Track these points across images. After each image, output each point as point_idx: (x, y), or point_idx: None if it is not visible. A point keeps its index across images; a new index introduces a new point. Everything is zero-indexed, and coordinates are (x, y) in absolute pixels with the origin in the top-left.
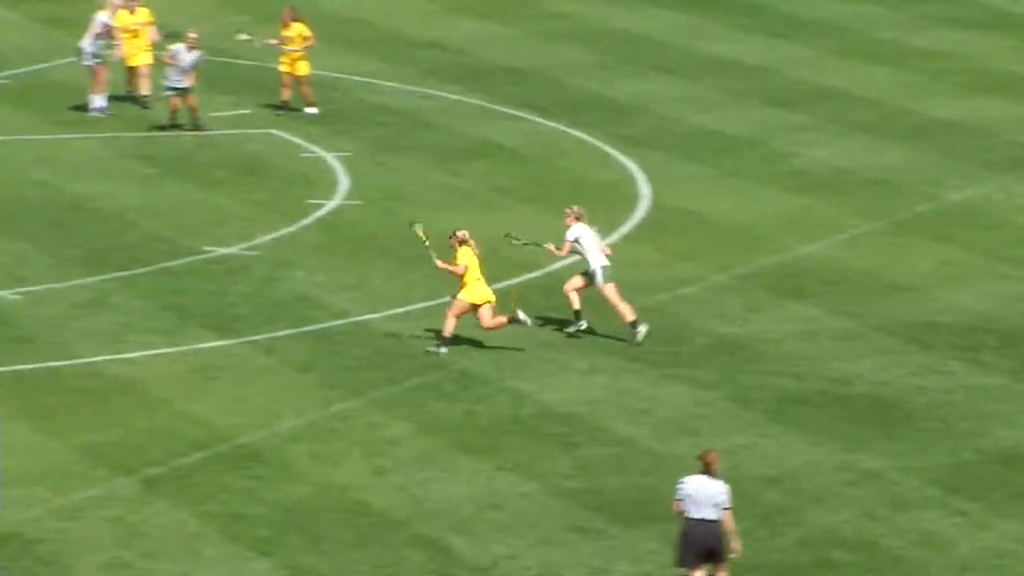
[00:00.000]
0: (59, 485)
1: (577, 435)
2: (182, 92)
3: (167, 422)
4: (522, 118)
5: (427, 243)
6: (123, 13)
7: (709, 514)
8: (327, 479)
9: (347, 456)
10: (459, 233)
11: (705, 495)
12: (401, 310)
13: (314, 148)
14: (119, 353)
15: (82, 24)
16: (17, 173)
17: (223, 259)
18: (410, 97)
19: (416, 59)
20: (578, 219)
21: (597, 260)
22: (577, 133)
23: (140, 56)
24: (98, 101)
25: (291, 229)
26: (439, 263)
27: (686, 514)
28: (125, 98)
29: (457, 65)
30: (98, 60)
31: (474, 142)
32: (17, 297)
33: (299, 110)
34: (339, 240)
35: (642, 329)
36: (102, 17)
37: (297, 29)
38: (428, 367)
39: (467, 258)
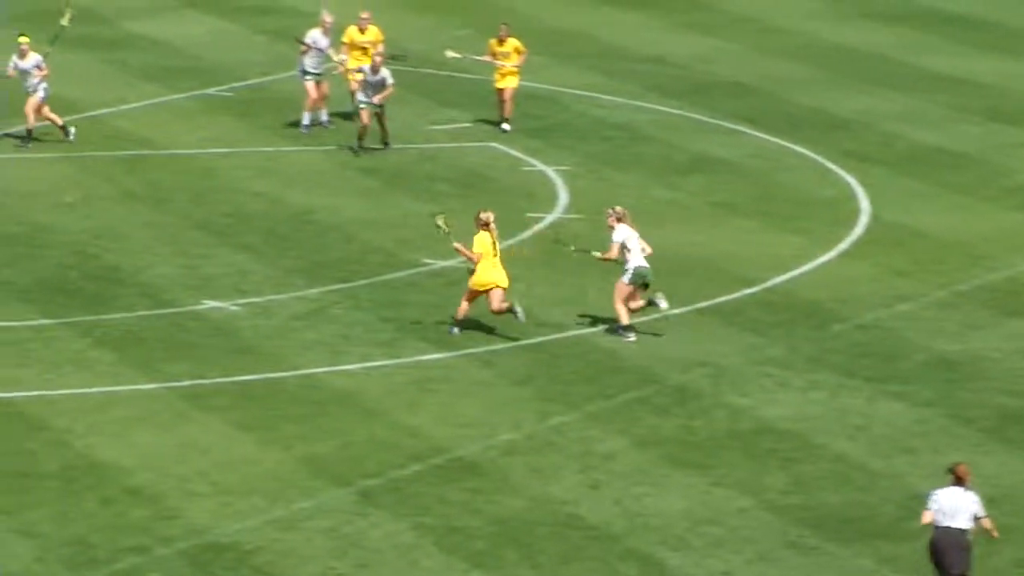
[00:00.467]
0: (277, 496)
1: (794, 451)
2: (370, 108)
3: (385, 434)
4: (743, 133)
5: (448, 231)
6: (353, 30)
7: (961, 523)
8: (542, 492)
9: (562, 470)
10: (482, 216)
11: (958, 506)
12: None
13: (534, 161)
14: (338, 365)
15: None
16: (240, 185)
17: (442, 272)
18: (631, 111)
19: (638, 73)
20: (620, 220)
21: (635, 261)
22: (798, 148)
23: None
24: (315, 117)
25: (510, 242)
26: (456, 245)
27: (937, 524)
28: (348, 112)
29: (679, 79)
30: (309, 77)
31: (695, 157)
32: (238, 308)
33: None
34: (558, 254)
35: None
36: (314, 34)
37: (512, 44)
38: (644, 382)
39: (482, 244)
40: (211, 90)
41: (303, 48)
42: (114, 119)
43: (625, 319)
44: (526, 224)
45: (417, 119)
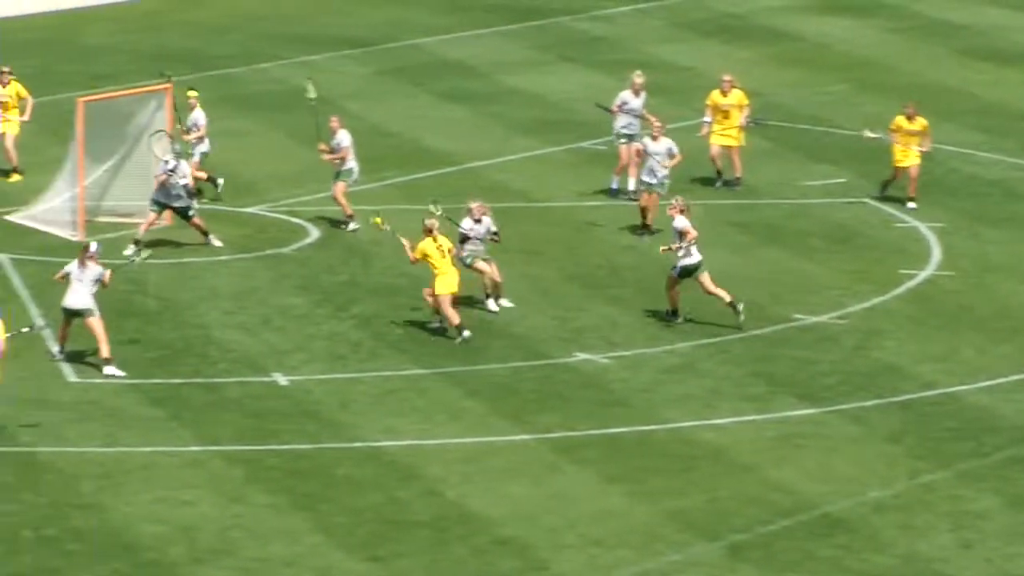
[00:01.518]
0: (646, 548)
1: None
2: (652, 188)
3: (753, 489)
4: None
5: (388, 230)
6: (715, 93)
7: None
8: (912, 550)
9: (933, 528)
10: (426, 222)
11: None
12: (991, 382)
13: (907, 218)
14: (708, 419)
15: (689, 92)
16: (612, 238)
17: (813, 327)
18: (1008, 169)
19: (1018, 131)
20: (682, 212)
21: (687, 258)
22: None
23: (725, 138)
24: (623, 182)
25: (883, 299)
26: (403, 240)
27: None
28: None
29: None
30: (623, 140)
31: None
32: (609, 361)
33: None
34: (931, 311)
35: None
36: (624, 95)
37: (921, 123)
38: (1018, 440)
39: (423, 250)
40: (586, 143)
41: (614, 110)
42: (490, 172)
43: (728, 296)
44: (898, 281)
45: (790, 174)
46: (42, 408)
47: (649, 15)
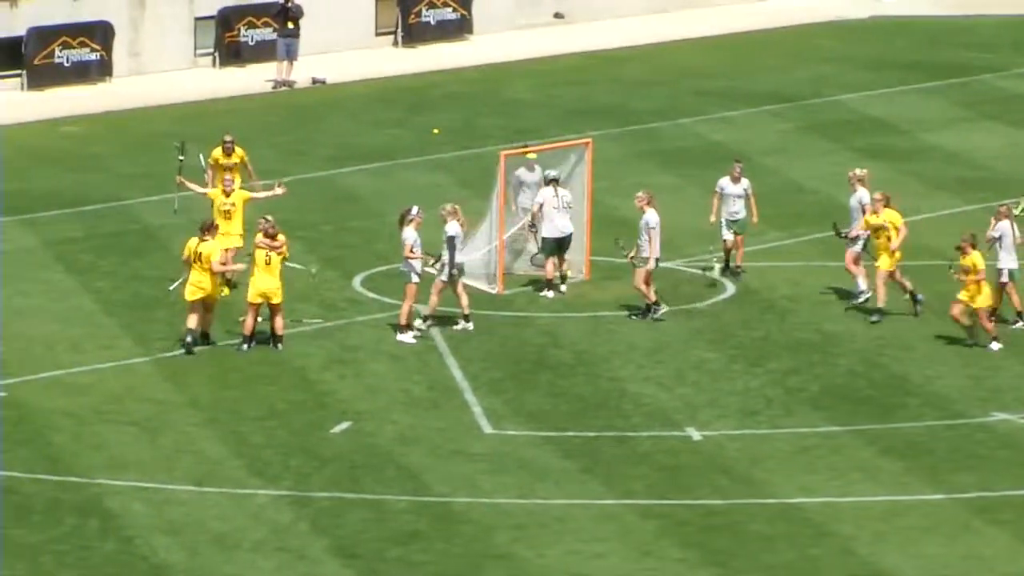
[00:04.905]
0: None
1: None
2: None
3: None
4: None
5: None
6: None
7: None
8: None
9: None
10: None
11: None
12: None
13: None
14: None
15: None
16: None
17: None
18: None
19: None
20: (1006, 216)
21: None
22: None
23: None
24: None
25: None
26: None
27: None
28: None
29: None
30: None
31: None
32: None
33: None
34: None
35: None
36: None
37: None
38: None
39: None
40: (1007, 202)
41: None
42: (908, 229)
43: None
44: None
45: None
46: (458, 459)
47: None
